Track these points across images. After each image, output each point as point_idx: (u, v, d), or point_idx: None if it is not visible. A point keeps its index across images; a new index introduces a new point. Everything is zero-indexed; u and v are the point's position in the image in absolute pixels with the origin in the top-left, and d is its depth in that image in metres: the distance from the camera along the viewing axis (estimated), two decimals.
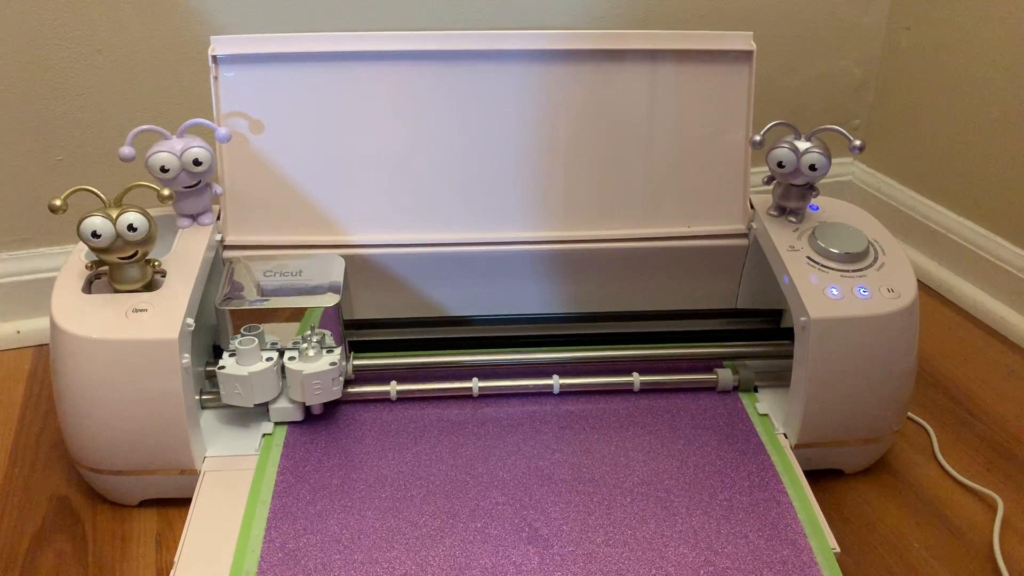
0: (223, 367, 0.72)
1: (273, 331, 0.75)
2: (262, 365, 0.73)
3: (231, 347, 0.73)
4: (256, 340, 0.73)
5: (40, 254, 0.97)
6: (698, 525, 0.67)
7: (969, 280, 1.07)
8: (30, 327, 0.98)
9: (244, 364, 0.72)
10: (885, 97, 1.19)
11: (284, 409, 0.76)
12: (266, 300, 0.74)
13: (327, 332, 0.75)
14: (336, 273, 0.77)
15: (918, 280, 0.77)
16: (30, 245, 0.97)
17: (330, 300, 0.74)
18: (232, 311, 0.73)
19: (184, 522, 0.67)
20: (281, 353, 0.74)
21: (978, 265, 1.05)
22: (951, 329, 1.03)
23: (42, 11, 0.86)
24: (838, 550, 0.66)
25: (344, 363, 0.76)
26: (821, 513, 0.69)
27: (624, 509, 0.68)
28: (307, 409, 0.76)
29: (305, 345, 0.74)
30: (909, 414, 0.86)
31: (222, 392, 0.73)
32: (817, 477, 0.77)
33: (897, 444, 0.84)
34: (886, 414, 0.76)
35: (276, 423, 0.76)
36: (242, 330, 0.74)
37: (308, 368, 0.73)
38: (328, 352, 0.74)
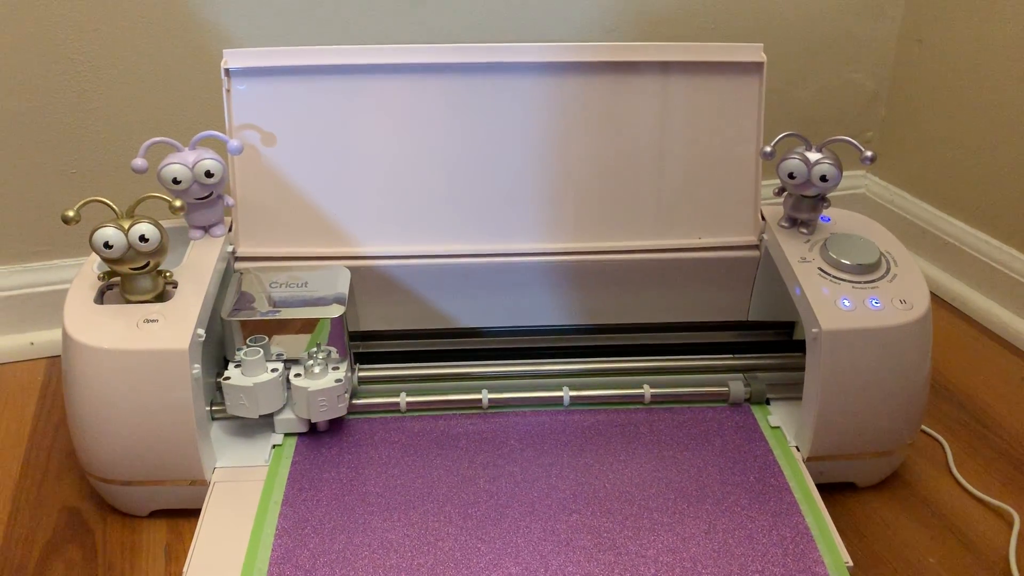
0: (228, 378, 0.72)
1: (280, 343, 0.75)
2: (267, 376, 0.73)
3: (236, 358, 0.74)
4: (261, 351, 0.73)
5: (54, 266, 0.98)
6: (710, 536, 0.67)
7: (983, 292, 1.06)
8: (44, 339, 0.99)
9: (249, 375, 0.73)
10: (897, 109, 1.18)
11: (289, 421, 0.76)
12: (271, 311, 0.74)
13: (333, 348, 0.75)
14: (342, 284, 0.77)
15: (931, 292, 0.76)
16: (44, 257, 0.98)
17: (335, 311, 0.74)
18: (238, 322, 0.73)
19: (193, 533, 0.67)
20: (286, 364, 0.74)
21: (992, 277, 1.05)
22: (965, 341, 1.03)
23: (56, 26, 0.87)
24: (851, 564, 0.65)
25: (350, 375, 0.76)
26: (834, 527, 0.68)
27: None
28: (312, 424, 0.76)
29: (311, 362, 0.74)
30: (923, 427, 0.85)
31: (227, 403, 0.73)
32: (830, 490, 0.76)
33: (911, 457, 0.83)
34: (899, 427, 0.75)
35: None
36: (248, 341, 0.74)
37: (314, 385, 0.73)
38: (334, 369, 0.74)
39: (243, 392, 0.72)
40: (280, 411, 0.75)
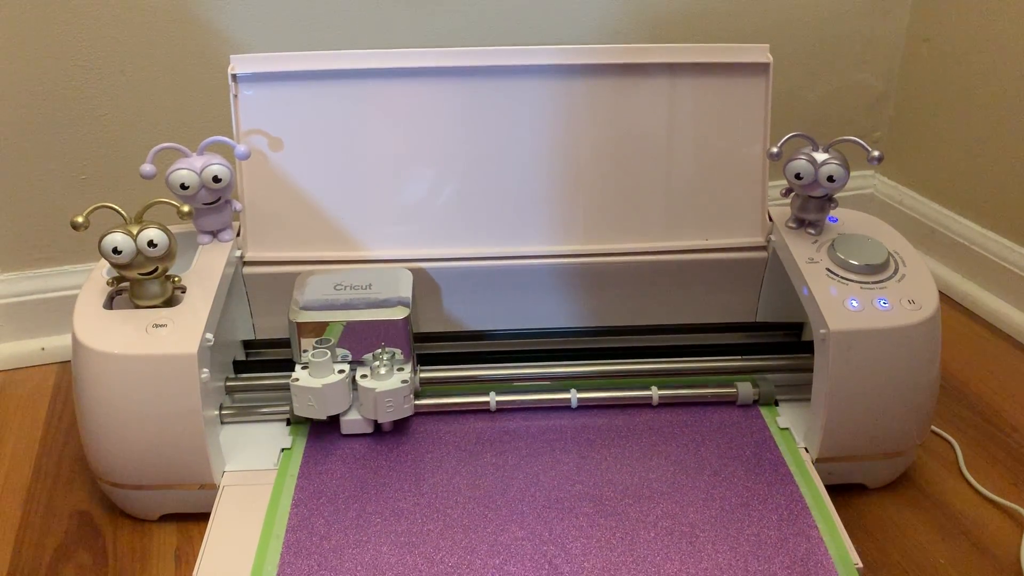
0: (297, 379, 0.73)
1: (344, 344, 0.75)
2: (335, 377, 0.73)
3: (304, 360, 0.74)
4: (328, 353, 0.74)
5: (64, 272, 0.99)
6: (716, 542, 0.67)
7: (994, 292, 1.06)
8: (54, 344, 0.99)
9: (317, 376, 0.73)
10: (905, 109, 1.18)
11: (355, 422, 0.76)
12: (336, 313, 0.74)
13: (398, 350, 0.75)
14: (404, 287, 0.78)
15: (941, 292, 0.76)
16: (54, 263, 0.98)
17: (400, 313, 0.75)
18: (301, 324, 0.74)
19: (203, 537, 0.67)
20: (352, 366, 0.75)
21: (1002, 277, 1.04)
22: (976, 342, 1.02)
23: (66, 34, 0.88)
24: (861, 566, 0.65)
25: (414, 376, 0.76)
26: (843, 528, 0.68)
27: (648, 545, 0.66)
28: (377, 424, 0.77)
29: (376, 363, 0.74)
30: (933, 428, 0.85)
31: (295, 404, 0.74)
32: (840, 492, 0.76)
33: (921, 458, 0.82)
34: (909, 427, 0.75)
35: (345, 435, 0.77)
36: (315, 342, 0.74)
37: (381, 386, 0.73)
38: (399, 370, 0.75)
39: (311, 393, 0.72)
40: (346, 412, 0.76)
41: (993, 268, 1.05)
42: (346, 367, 0.74)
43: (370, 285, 0.77)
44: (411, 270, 0.81)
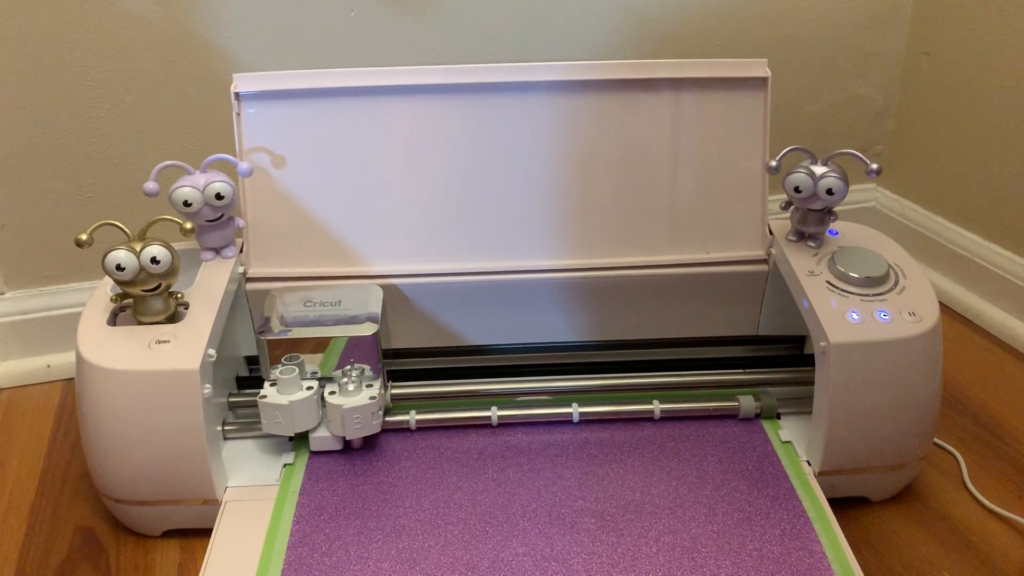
0: (264, 396, 0.73)
1: (313, 361, 0.76)
2: (303, 394, 0.73)
3: (272, 376, 0.74)
4: (297, 369, 0.74)
5: (69, 289, 0.99)
6: (718, 557, 0.66)
7: (997, 305, 1.06)
8: (60, 361, 1.00)
9: (285, 393, 0.73)
10: (906, 123, 1.18)
11: (324, 438, 0.76)
12: (305, 330, 0.75)
13: (366, 366, 0.75)
14: (374, 303, 0.78)
15: (944, 305, 0.76)
16: (59, 281, 0.99)
17: (368, 329, 0.75)
18: (267, 341, 0.74)
19: (205, 552, 0.67)
20: (321, 383, 0.75)
21: (1005, 289, 1.04)
22: (979, 354, 1.02)
23: (72, 56, 0.89)
24: None
25: (384, 392, 0.77)
26: (847, 542, 0.67)
27: (650, 561, 0.66)
28: (346, 440, 0.77)
29: (345, 379, 0.74)
30: (937, 440, 0.85)
31: (263, 421, 0.74)
32: (842, 505, 0.76)
33: (924, 471, 0.82)
34: (911, 440, 0.74)
35: (315, 452, 0.77)
36: (283, 359, 0.75)
37: (348, 403, 0.73)
38: (368, 387, 0.75)
39: (279, 410, 0.73)
40: (315, 429, 0.76)
41: (996, 280, 1.05)
42: (315, 384, 0.74)
43: (340, 302, 0.78)
44: (416, 286, 0.82)
